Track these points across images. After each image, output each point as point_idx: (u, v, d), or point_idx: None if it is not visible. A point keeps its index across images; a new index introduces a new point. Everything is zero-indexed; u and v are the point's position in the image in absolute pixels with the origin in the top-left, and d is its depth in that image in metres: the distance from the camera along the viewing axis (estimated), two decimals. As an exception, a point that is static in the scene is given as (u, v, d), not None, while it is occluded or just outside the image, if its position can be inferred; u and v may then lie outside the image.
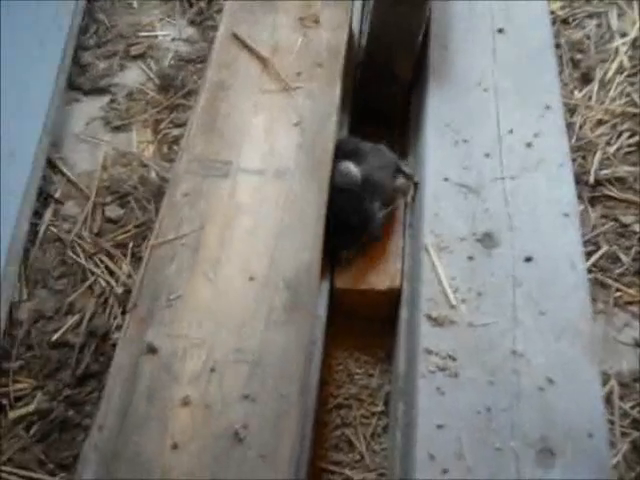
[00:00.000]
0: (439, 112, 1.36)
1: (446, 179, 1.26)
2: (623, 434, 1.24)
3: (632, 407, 1.27)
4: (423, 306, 1.11)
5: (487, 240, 1.18)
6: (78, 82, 1.71)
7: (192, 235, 1.15)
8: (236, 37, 1.42)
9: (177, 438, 0.95)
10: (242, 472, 0.93)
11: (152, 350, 1.03)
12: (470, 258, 1.16)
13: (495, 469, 0.95)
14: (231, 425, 0.96)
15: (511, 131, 1.33)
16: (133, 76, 1.75)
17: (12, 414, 1.22)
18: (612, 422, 1.25)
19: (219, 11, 1.84)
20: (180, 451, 0.94)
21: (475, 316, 1.10)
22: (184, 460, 0.93)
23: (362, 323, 1.32)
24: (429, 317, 1.09)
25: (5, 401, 1.23)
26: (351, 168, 1.28)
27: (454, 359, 1.05)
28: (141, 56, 1.78)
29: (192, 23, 1.84)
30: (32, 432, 1.21)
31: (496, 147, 1.30)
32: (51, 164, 1.56)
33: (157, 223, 1.17)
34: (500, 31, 1.49)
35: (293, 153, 1.27)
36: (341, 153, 1.31)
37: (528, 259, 1.16)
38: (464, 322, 1.09)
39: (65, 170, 1.56)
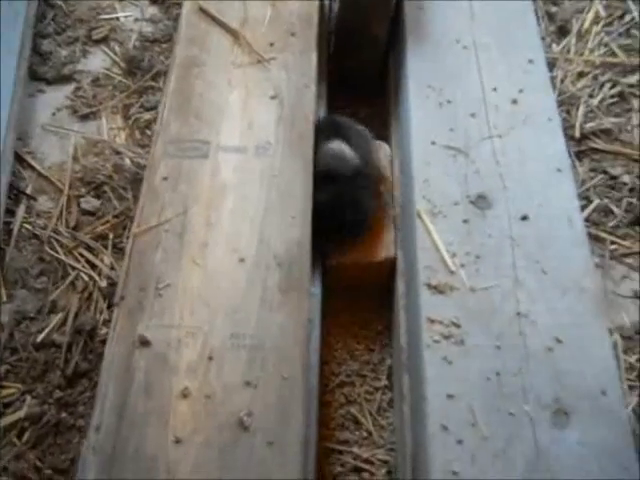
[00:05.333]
0: (420, 73, 1.31)
1: (433, 142, 1.22)
2: (631, 387, 1.22)
3: (638, 360, 1.25)
4: (421, 274, 1.07)
5: (481, 202, 1.15)
6: (40, 72, 1.63)
7: (176, 220, 1.10)
8: (203, 11, 1.36)
9: (179, 432, 0.91)
10: (251, 461, 0.90)
11: (145, 342, 0.98)
12: (465, 221, 1.13)
13: (511, 435, 0.93)
14: (235, 414, 0.93)
15: (495, 89, 1.29)
16: (97, 61, 1.67)
17: (3, 421, 1.16)
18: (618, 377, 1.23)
19: (181, -12, 1.77)
20: (184, 445, 0.90)
21: (476, 280, 1.06)
22: (189, 454, 0.89)
23: (357, 297, 1.28)
24: (429, 285, 1.06)
25: (-6, 408, 1.18)
26: (346, 150, 1.22)
27: (458, 326, 1.02)
28: (104, 40, 1.70)
29: (154, 2, 1.76)
30: (25, 438, 1.15)
31: (481, 106, 1.26)
32: (19, 159, 1.49)
33: (138, 210, 1.12)
34: (475, -14, 1.45)
35: (273, 128, 1.22)
36: (325, 131, 1.26)
37: (524, 218, 1.13)
38: (465, 287, 1.06)
39: (35, 164, 1.49)
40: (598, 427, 0.94)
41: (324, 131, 1.27)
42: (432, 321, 1.02)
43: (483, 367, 0.98)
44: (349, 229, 1.19)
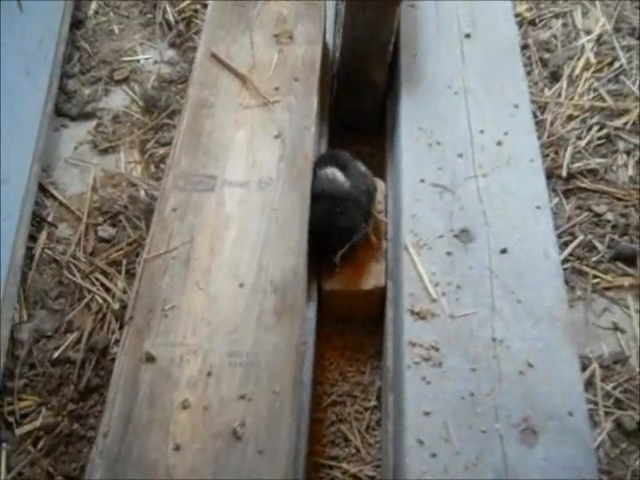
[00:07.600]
0: (412, 116, 1.42)
1: (422, 180, 1.32)
2: (607, 413, 1.29)
3: (614, 388, 1.32)
4: (405, 301, 1.16)
5: (464, 236, 1.24)
6: (65, 108, 1.76)
7: (182, 248, 1.21)
8: (215, 57, 1.48)
9: (179, 440, 1.00)
10: (242, 468, 0.98)
11: (150, 359, 1.08)
12: (448, 253, 1.22)
13: (481, 450, 1.01)
14: (229, 424, 1.02)
15: (482, 131, 1.39)
16: (118, 100, 1.80)
17: (19, 430, 1.26)
18: (596, 403, 1.30)
19: (198, 32, 1.90)
20: (182, 452, 0.99)
21: (455, 308, 1.15)
22: (187, 460, 0.98)
23: (351, 323, 1.37)
24: (412, 311, 1.15)
25: (12, 419, 1.28)
26: (337, 175, 1.33)
27: (437, 349, 1.10)
28: (125, 80, 1.84)
29: (172, 45, 1.91)
30: (39, 447, 1.25)
31: (468, 147, 1.36)
32: (43, 189, 1.61)
33: (148, 238, 1.23)
34: (467, 36, 1.56)
35: (275, 164, 1.32)
36: (324, 162, 1.37)
37: (503, 251, 1.22)
38: (445, 314, 1.14)
39: (56, 194, 1.61)
40: (564, 445, 1.02)
41: (323, 161, 1.38)
42: (413, 344, 1.11)
43: (458, 387, 1.07)
44: (339, 236, 1.28)
